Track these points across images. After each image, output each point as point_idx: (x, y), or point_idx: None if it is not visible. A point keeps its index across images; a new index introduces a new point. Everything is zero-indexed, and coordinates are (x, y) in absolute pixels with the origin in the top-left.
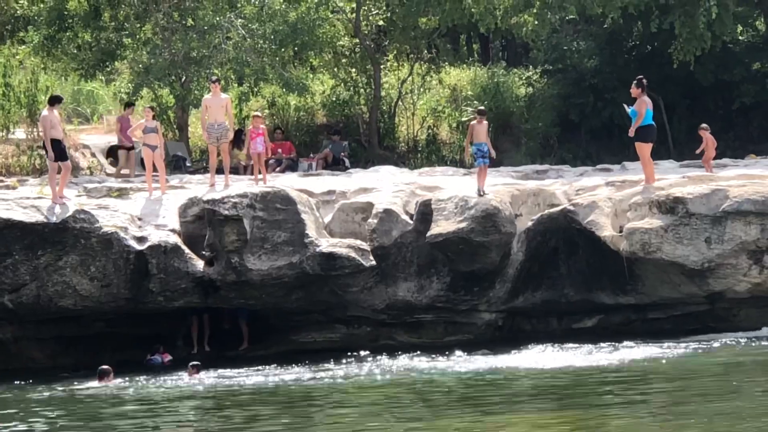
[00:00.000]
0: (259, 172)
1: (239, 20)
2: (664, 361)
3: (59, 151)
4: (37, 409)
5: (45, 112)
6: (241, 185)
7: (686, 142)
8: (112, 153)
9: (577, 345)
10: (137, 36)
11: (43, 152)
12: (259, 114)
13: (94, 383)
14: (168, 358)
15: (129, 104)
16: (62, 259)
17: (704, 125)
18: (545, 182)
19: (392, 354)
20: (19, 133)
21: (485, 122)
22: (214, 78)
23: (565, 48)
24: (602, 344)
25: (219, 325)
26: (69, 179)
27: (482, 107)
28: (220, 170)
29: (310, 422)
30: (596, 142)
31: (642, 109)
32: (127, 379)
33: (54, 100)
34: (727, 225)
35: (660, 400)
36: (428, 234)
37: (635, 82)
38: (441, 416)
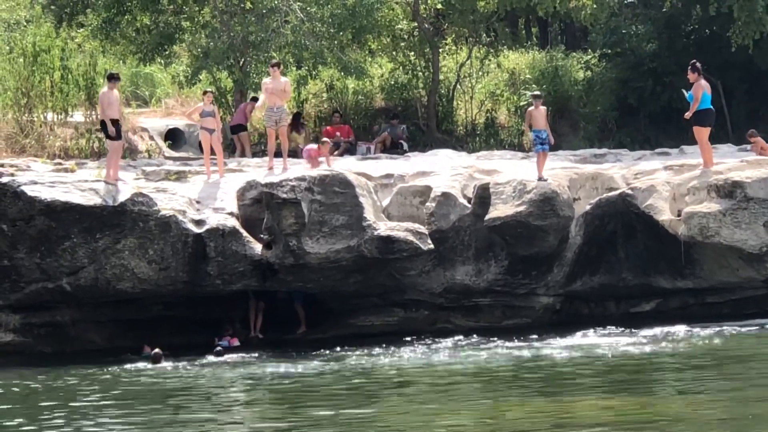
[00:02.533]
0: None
1: (297, 3)
2: None
3: (115, 130)
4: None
5: (104, 89)
6: (299, 168)
7: (745, 126)
8: (170, 136)
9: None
10: (196, 19)
11: (101, 135)
12: (327, 140)
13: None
14: (236, 342)
15: (254, 99)
16: (120, 242)
17: (752, 131)
18: (603, 166)
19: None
20: (78, 116)
21: (542, 107)
22: (274, 61)
23: (623, 32)
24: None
25: (275, 309)
26: (124, 162)
27: (537, 92)
28: (279, 154)
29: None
30: (654, 126)
31: (698, 93)
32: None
33: (110, 77)
34: None
35: None
36: (486, 218)
37: (690, 66)
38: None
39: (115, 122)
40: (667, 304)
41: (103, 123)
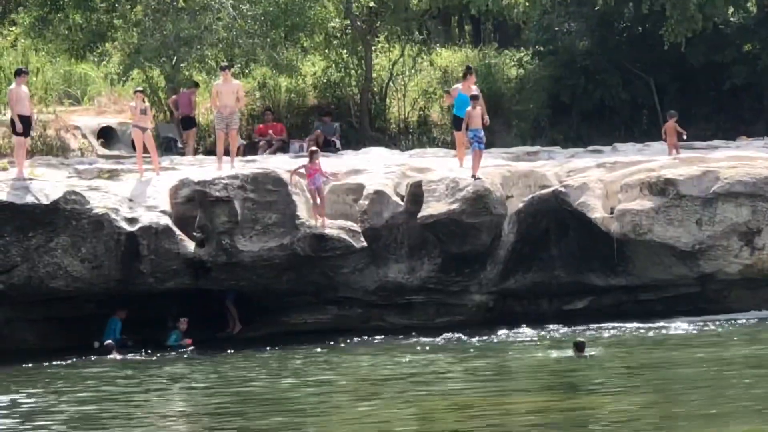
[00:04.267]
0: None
1: (230, 1)
2: None
3: (23, 126)
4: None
5: (12, 85)
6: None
7: (678, 124)
8: (103, 134)
9: None
10: (128, 17)
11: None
12: (316, 149)
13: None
14: (184, 325)
15: (195, 84)
16: (53, 240)
17: (672, 111)
18: (536, 164)
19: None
20: (9, 114)
21: (479, 107)
22: (224, 65)
23: (556, 29)
24: None
25: (208, 308)
26: (57, 160)
27: (475, 92)
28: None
29: None
30: (587, 123)
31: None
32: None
33: (18, 73)
34: (717, 207)
35: None
36: (419, 215)
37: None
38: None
39: (26, 119)
40: (600, 301)
41: (12, 119)
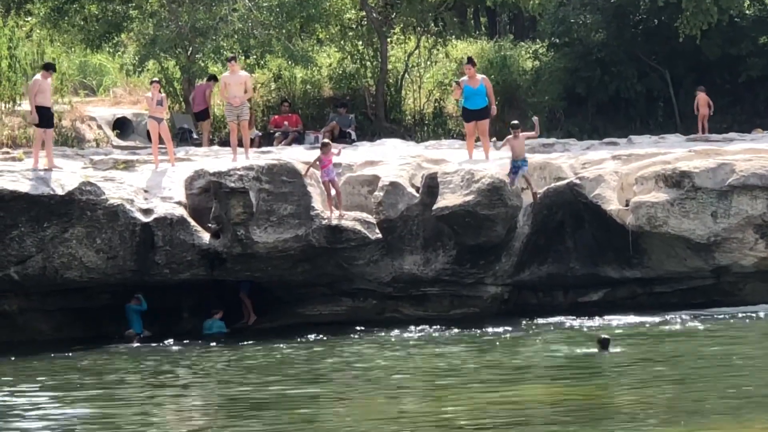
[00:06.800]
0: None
1: None
2: None
3: (45, 118)
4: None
5: (37, 76)
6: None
7: (693, 116)
8: (118, 125)
9: None
10: (143, 8)
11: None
12: (328, 141)
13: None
14: (220, 316)
15: (212, 77)
16: (68, 231)
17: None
18: (552, 156)
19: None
20: (26, 105)
21: (522, 135)
22: (230, 56)
23: (572, 21)
24: None
25: (224, 299)
26: (72, 150)
27: (516, 121)
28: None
29: None
30: (603, 115)
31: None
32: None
33: (47, 67)
34: (733, 199)
35: None
36: (434, 207)
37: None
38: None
39: (47, 110)
40: (615, 293)
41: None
